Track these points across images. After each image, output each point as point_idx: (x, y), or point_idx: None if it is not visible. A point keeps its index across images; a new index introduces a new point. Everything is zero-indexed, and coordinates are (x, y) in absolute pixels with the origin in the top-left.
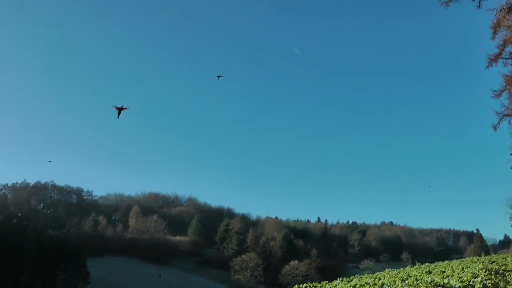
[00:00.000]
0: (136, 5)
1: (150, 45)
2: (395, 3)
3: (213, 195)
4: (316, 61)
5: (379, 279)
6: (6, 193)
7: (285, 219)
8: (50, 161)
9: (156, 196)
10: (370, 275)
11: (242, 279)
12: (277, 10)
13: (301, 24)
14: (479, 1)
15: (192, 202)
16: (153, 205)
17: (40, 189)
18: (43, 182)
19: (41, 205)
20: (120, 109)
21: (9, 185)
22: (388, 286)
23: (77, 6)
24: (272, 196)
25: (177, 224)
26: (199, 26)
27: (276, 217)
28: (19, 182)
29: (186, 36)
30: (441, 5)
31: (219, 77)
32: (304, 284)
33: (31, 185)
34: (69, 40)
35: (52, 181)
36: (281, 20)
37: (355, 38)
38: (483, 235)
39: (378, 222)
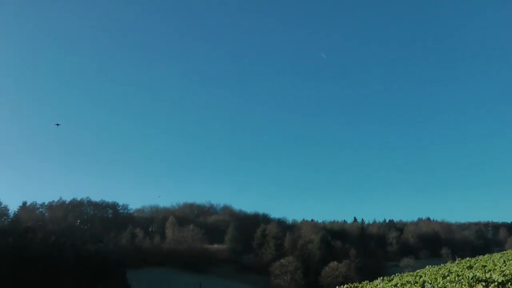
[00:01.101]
0: None
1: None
2: None
3: (247, 202)
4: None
5: (420, 276)
6: (44, 211)
7: (321, 221)
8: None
9: (191, 206)
10: (410, 273)
11: (282, 283)
12: None
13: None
14: None
15: (227, 210)
16: (188, 215)
17: (76, 206)
18: (78, 199)
19: (78, 221)
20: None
21: (46, 203)
22: (430, 283)
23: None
24: (307, 199)
25: (213, 233)
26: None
27: (312, 220)
28: (55, 200)
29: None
30: None
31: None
32: (345, 285)
33: (67, 202)
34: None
35: (87, 197)
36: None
37: None
38: None
39: (415, 219)
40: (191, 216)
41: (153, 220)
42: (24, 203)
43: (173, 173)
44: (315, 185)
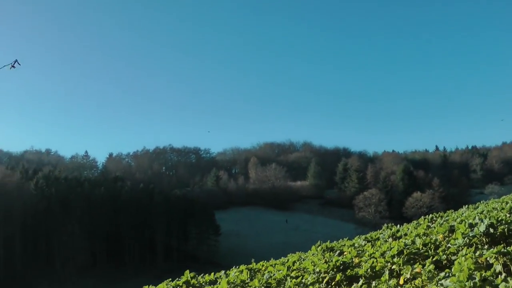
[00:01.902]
0: None
1: None
2: None
3: (327, 137)
4: None
5: (507, 203)
6: (129, 161)
7: (402, 152)
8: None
9: (271, 146)
10: (496, 199)
11: (366, 216)
12: None
13: None
14: None
15: (307, 146)
16: (269, 155)
17: (159, 154)
18: (161, 146)
19: (163, 168)
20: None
21: (131, 153)
22: None
23: None
24: (387, 130)
25: (295, 170)
26: None
27: (393, 151)
28: (140, 149)
29: None
30: None
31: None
32: (430, 215)
33: (151, 151)
34: None
35: (170, 145)
36: None
37: None
38: None
39: (499, 143)
40: (272, 155)
41: (236, 162)
42: (111, 155)
43: (252, 114)
44: (394, 115)
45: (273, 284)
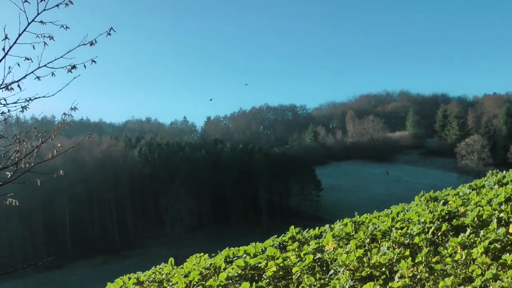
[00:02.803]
0: None
1: None
2: None
3: (424, 84)
4: None
5: None
6: (228, 123)
7: (504, 93)
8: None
9: (367, 97)
10: None
11: (469, 164)
12: None
13: None
14: None
15: (404, 95)
16: (366, 107)
17: (256, 114)
18: (257, 106)
19: (261, 128)
20: None
21: (228, 115)
22: None
23: None
24: (487, 71)
25: (393, 121)
26: None
27: (494, 93)
28: (236, 111)
29: None
30: None
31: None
32: None
33: (247, 111)
34: None
35: (265, 104)
36: None
37: None
38: None
39: None
40: (369, 107)
41: (332, 117)
42: (209, 118)
43: (346, 66)
44: (494, 54)
45: (378, 236)
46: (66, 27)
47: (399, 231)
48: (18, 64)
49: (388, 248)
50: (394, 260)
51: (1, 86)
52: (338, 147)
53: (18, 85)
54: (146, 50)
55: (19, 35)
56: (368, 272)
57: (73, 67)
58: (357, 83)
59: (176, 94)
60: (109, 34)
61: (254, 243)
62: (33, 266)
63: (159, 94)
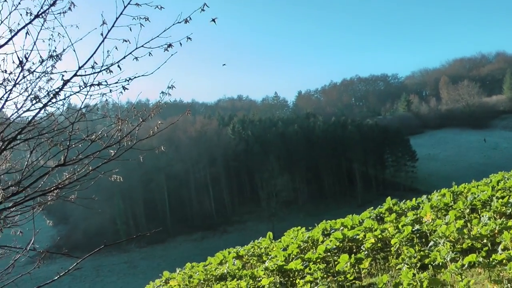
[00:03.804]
0: None
1: None
2: None
3: None
4: None
5: None
6: (319, 96)
7: None
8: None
9: (461, 62)
10: None
11: None
12: None
13: None
14: None
15: (500, 56)
16: (460, 72)
17: (347, 86)
18: (348, 78)
19: (352, 99)
20: None
21: (319, 89)
22: None
23: None
24: None
25: (489, 85)
26: None
27: None
28: (327, 84)
29: None
30: None
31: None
32: None
33: (338, 84)
34: None
35: (356, 75)
36: None
37: None
38: None
39: None
40: (463, 71)
41: (425, 84)
42: (300, 92)
43: (437, 30)
44: None
45: (478, 206)
46: (161, 7)
47: (500, 200)
48: (116, 48)
49: (489, 218)
50: (496, 231)
51: (102, 69)
52: (433, 115)
53: (118, 66)
54: (235, 27)
55: (116, 18)
56: (469, 244)
57: (169, 45)
58: (450, 47)
59: (267, 70)
60: (202, 10)
61: (350, 215)
62: (136, 241)
63: (249, 72)
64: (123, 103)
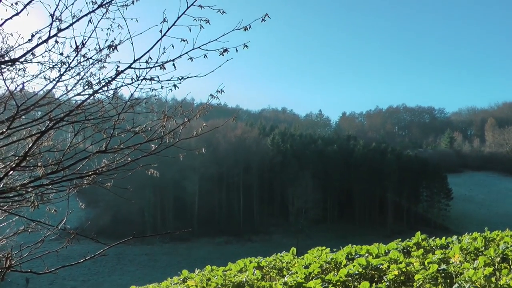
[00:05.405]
0: None
1: None
2: None
3: None
4: None
5: None
6: (362, 120)
7: None
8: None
9: (510, 106)
10: None
11: None
12: None
13: None
14: None
15: None
16: (509, 116)
17: (392, 113)
18: (394, 106)
19: (396, 127)
20: None
21: (363, 112)
22: None
23: None
24: None
25: None
26: None
27: None
28: (372, 109)
29: None
30: None
31: None
32: None
33: (383, 110)
34: None
35: (403, 104)
36: None
37: None
38: None
39: None
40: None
41: (471, 123)
42: (344, 113)
43: (490, 70)
44: None
45: (510, 256)
46: (223, 11)
47: None
48: (172, 46)
49: None
50: None
51: (156, 65)
52: (474, 156)
53: (173, 64)
54: (286, 40)
55: (178, 17)
56: None
57: (225, 50)
58: (501, 89)
59: (314, 87)
60: (263, 20)
61: (377, 243)
62: (160, 237)
63: (297, 86)
64: (168, 99)
